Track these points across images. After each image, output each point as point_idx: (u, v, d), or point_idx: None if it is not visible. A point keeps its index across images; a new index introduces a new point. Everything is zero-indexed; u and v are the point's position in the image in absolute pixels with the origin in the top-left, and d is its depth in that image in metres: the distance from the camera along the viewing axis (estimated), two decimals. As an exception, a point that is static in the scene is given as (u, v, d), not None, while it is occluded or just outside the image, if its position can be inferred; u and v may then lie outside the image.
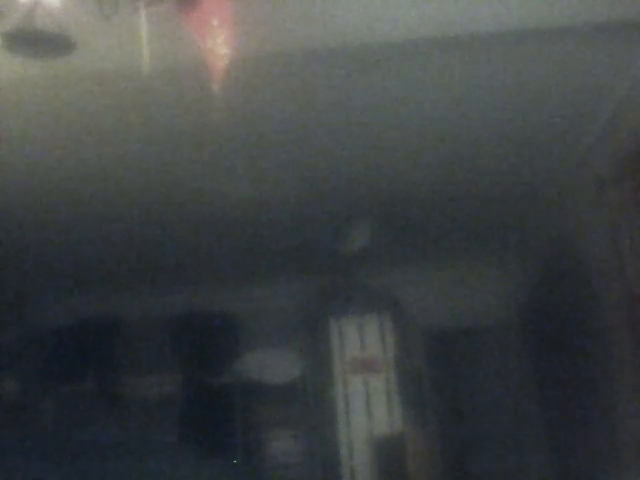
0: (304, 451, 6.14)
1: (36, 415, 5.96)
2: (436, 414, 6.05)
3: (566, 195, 4.75)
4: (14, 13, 2.33)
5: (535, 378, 5.77)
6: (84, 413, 5.88)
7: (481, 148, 4.13)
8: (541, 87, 3.50)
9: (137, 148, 3.81)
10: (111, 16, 2.36)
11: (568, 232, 4.84)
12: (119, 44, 2.63)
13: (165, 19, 2.45)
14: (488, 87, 3.48)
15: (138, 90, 3.15)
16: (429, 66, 3.26)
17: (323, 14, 2.75)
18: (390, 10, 2.75)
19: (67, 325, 6.12)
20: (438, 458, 5.58)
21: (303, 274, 6.12)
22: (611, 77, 3.46)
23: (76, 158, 3.87)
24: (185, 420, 6.09)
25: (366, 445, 5.91)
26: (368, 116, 3.67)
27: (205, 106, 2.69)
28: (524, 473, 5.77)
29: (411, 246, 5.71)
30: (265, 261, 5.78)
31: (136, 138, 3.70)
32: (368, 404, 6.04)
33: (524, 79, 3.42)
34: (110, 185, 4.24)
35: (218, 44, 2.38)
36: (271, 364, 6.20)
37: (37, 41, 2.39)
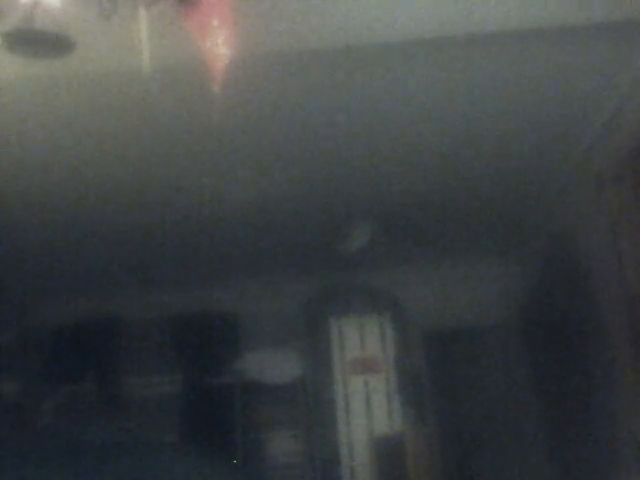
0: (304, 451, 6.14)
1: (36, 415, 5.96)
2: (436, 414, 6.06)
3: (566, 195, 4.75)
4: (14, 13, 2.33)
5: (535, 378, 5.77)
6: (84, 413, 5.88)
7: (481, 148, 4.13)
8: (541, 87, 3.50)
9: (137, 148, 3.81)
10: (111, 16, 2.36)
11: (568, 232, 4.84)
12: (119, 44, 2.63)
13: (165, 19, 2.45)
14: (488, 87, 3.48)
15: (138, 90, 3.15)
16: (429, 66, 3.26)
17: (323, 14, 2.75)
18: (390, 10, 2.75)
19: (67, 325, 6.12)
20: (438, 458, 5.58)
21: (303, 274, 6.12)
22: (611, 77, 3.46)
23: (76, 158, 3.87)
24: (185, 420, 6.09)
25: (366, 445, 5.91)
26: (368, 116, 3.67)
27: (205, 106, 2.69)
28: (524, 473, 5.77)
29: (411, 246, 5.71)
30: (265, 261, 5.77)
31: (136, 138, 3.70)
32: (368, 404, 6.05)
33: (524, 79, 3.42)
34: (110, 185, 4.24)
35: (218, 44, 2.38)
36: (271, 364, 6.20)
37: (37, 41, 2.39)
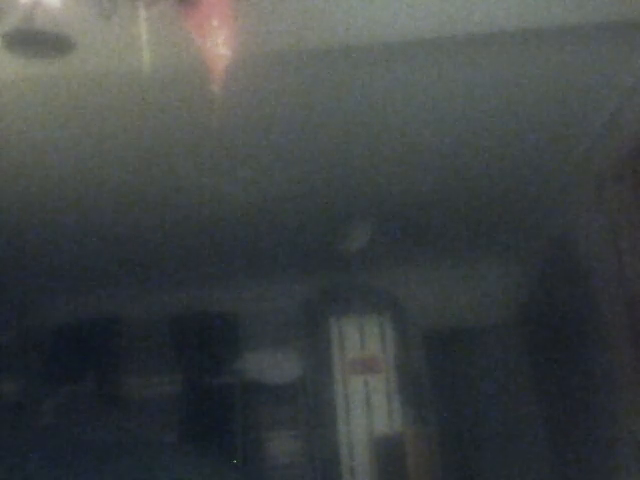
0: (304, 451, 6.14)
1: (36, 415, 5.96)
2: (436, 414, 6.06)
3: (566, 195, 4.75)
4: (14, 13, 2.33)
5: (535, 378, 5.77)
6: (84, 413, 5.88)
7: (481, 148, 4.13)
8: (541, 87, 3.50)
9: (137, 148, 3.81)
10: (111, 16, 2.36)
11: (568, 232, 4.84)
12: (119, 44, 2.63)
13: (165, 19, 2.45)
14: (488, 87, 3.48)
15: (138, 90, 3.15)
16: (429, 66, 3.26)
17: (323, 14, 2.75)
18: (390, 10, 2.75)
19: (67, 325, 6.13)
20: (438, 458, 5.58)
21: (303, 274, 6.12)
22: (611, 77, 3.46)
23: (76, 158, 3.87)
24: (185, 420, 6.09)
25: (366, 445, 5.91)
26: (368, 116, 3.67)
27: (205, 106, 2.69)
28: (524, 473, 5.77)
29: (411, 246, 5.71)
30: (265, 261, 5.78)
31: (136, 138, 3.70)
32: (368, 404, 6.05)
33: (524, 79, 3.42)
34: (110, 185, 4.24)
35: (218, 44, 2.38)
36: (271, 364, 6.20)
37: (37, 41, 2.39)
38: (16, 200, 4.26)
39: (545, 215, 5.19)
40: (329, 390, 6.03)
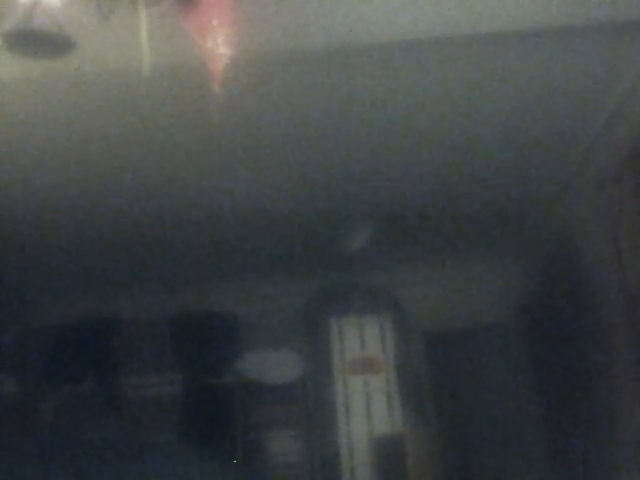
0: (304, 451, 6.14)
1: (36, 415, 5.96)
2: (436, 414, 6.06)
3: (566, 195, 4.75)
4: (14, 13, 2.33)
5: (535, 378, 5.77)
6: (84, 413, 5.88)
7: (481, 148, 4.13)
8: (541, 87, 3.50)
9: (137, 148, 3.81)
10: (111, 16, 2.36)
11: (568, 232, 4.84)
12: (118, 44, 2.63)
13: (165, 19, 2.45)
14: (488, 87, 3.48)
15: (137, 90, 3.15)
16: (429, 66, 3.26)
17: (323, 14, 2.74)
18: (390, 10, 2.75)
19: (67, 325, 6.12)
20: (438, 458, 5.58)
21: (303, 274, 6.12)
22: (611, 77, 3.46)
23: (75, 158, 3.86)
24: (185, 420, 6.09)
25: (366, 445, 5.91)
26: (368, 116, 3.67)
27: (205, 106, 2.69)
28: (524, 473, 5.77)
29: (411, 246, 5.71)
30: (265, 261, 5.77)
31: (135, 138, 3.70)
32: (368, 404, 6.05)
33: (524, 79, 3.42)
34: (110, 185, 4.24)
35: (218, 44, 2.38)
36: (271, 364, 6.20)
37: (37, 41, 2.39)
38: (16, 200, 4.26)
39: (545, 215, 5.18)
40: (329, 390, 6.03)
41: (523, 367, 5.95)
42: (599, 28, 2.95)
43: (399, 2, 2.74)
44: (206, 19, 2.39)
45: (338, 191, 4.64)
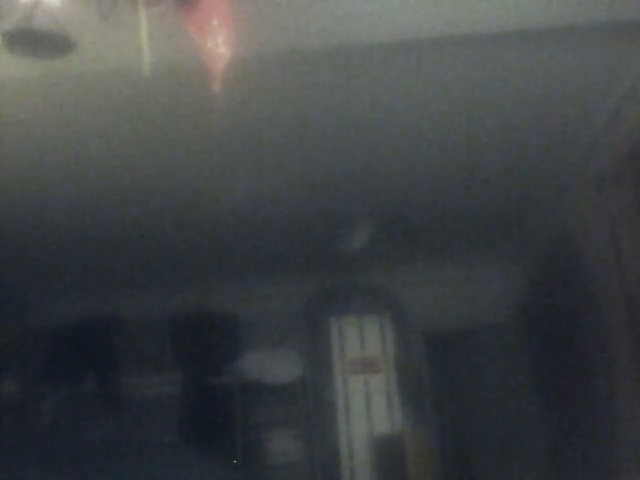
0: (304, 451, 6.14)
1: (36, 415, 5.96)
2: (436, 414, 6.06)
3: (566, 195, 4.75)
4: (14, 13, 2.33)
5: (535, 378, 5.77)
6: (84, 413, 5.88)
7: (481, 148, 4.13)
8: (541, 87, 3.50)
9: (137, 148, 3.81)
10: (110, 16, 2.37)
11: (568, 232, 4.84)
12: (118, 44, 2.63)
13: (165, 19, 2.45)
14: (487, 87, 3.48)
15: (137, 90, 3.15)
16: (429, 66, 3.26)
17: (323, 14, 2.75)
18: (390, 10, 2.75)
19: (67, 325, 6.12)
20: (438, 458, 5.58)
21: (303, 274, 6.12)
22: (611, 77, 3.46)
23: (75, 158, 3.87)
24: (185, 420, 6.09)
25: (366, 445, 5.91)
26: (368, 116, 3.67)
27: (205, 106, 2.69)
28: (524, 473, 5.77)
29: (411, 246, 5.71)
30: (265, 261, 5.77)
31: (135, 138, 3.70)
32: (368, 404, 6.05)
33: (524, 79, 3.42)
34: (110, 185, 4.24)
35: (218, 44, 2.38)
36: (271, 364, 6.20)
37: (37, 41, 2.39)
38: (16, 200, 4.26)
39: (545, 215, 5.18)
40: (329, 390, 6.03)
41: (523, 367, 5.95)
42: (599, 28, 2.95)
43: (399, 2, 2.74)
44: (206, 19, 2.39)
45: (338, 191, 4.64)
